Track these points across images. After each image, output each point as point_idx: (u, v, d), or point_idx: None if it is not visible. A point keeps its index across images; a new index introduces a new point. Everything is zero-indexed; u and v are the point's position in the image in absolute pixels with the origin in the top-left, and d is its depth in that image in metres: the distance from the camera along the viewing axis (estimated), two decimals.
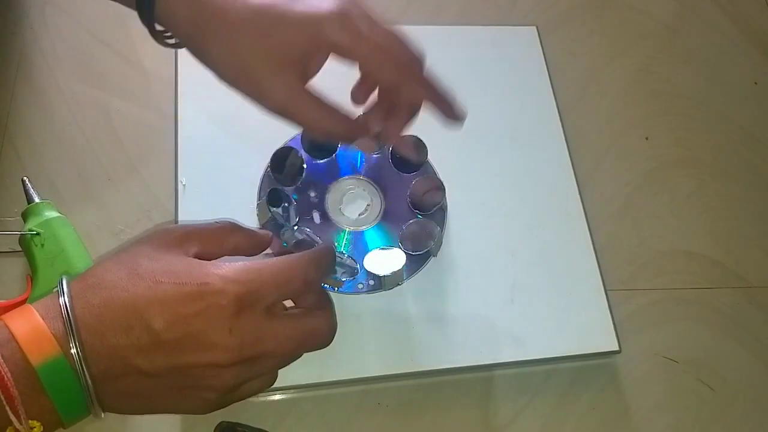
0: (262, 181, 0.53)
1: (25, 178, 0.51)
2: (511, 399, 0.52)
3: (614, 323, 0.54)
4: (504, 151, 0.60)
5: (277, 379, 0.48)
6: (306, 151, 0.53)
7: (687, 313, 0.58)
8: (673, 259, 0.60)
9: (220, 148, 0.55)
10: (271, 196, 0.49)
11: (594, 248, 0.57)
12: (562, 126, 0.62)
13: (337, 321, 0.41)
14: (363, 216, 0.53)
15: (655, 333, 0.57)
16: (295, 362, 0.48)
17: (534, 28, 0.67)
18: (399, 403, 0.50)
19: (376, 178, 0.54)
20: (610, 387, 0.54)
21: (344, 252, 0.51)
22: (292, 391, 0.49)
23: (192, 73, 0.57)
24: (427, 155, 0.53)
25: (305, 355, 0.48)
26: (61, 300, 0.34)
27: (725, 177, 0.66)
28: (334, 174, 0.54)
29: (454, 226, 0.55)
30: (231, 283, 0.35)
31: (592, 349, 0.53)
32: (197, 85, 0.57)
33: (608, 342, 0.53)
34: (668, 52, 0.72)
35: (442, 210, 0.54)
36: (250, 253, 0.41)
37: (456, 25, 0.66)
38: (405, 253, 0.50)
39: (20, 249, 0.48)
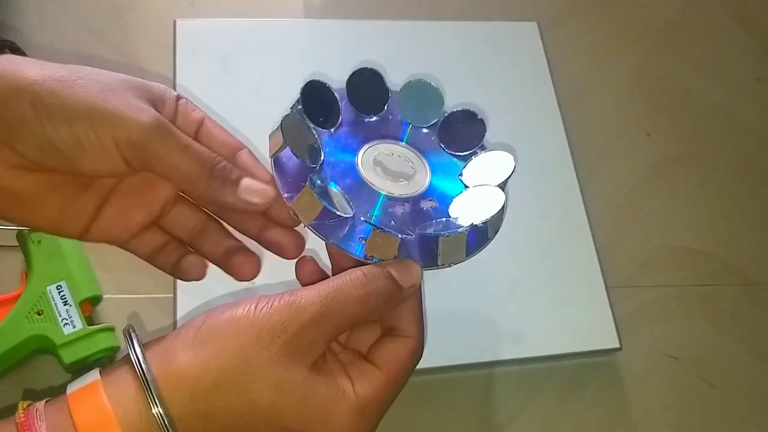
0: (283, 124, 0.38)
1: None
2: (512, 396, 0.52)
3: (615, 320, 0.54)
4: (505, 148, 0.60)
5: None
6: (352, 99, 0.41)
7: (688, 310, 0.58)
8: (674, 256, 0.60)
9: None
10: (290, 123, 0.36)
11: (595, 245, 0.56)
12: (563, 122, 0.61)
13: None
14: (404, 183, 0.40)
15: (656, 330, 0.57)
16: None
17: (535, 23, 0.66)
18: (399, 400, 0.50)
19: (424, 153, 0.42)
20: (611, 384, 0.54)
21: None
22: None
23: (190, 71, 0.57)
24: (483, 132, 0.42)
25: None
26: None
27: (727, 173, 0.65)
28: (373, 136, 0.42)
29: None
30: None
31: (593, 346, 0.53)
32: (195, 84, 0.56)
33: (609, 339, 0.53)
34: (670, 47, 0.71)
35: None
36: None
37: (456, 20, 0.66)
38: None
39: (17, 244, 0.48)
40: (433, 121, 0.43)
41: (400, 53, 0.63)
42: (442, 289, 0.52)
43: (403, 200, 0.39)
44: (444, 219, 0.39)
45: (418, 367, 0.50)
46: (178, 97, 0.36)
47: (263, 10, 0.63)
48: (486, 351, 0.51)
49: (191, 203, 0.38)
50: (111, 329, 0.46)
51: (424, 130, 0.43)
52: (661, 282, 0.59)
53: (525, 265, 0.55)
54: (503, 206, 0.39)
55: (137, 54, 0.59)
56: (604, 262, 0.56)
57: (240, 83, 0.58)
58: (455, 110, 0.42)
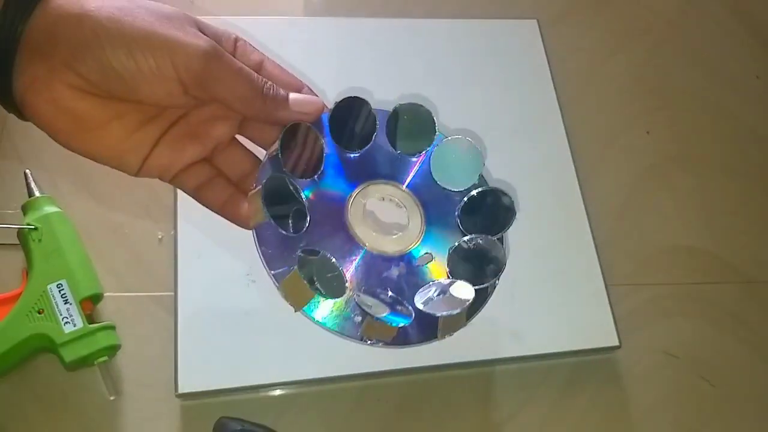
0: (265, 167, 0.37)
1: (27, 171, 0.51)
2: (512, 394, 0.52)
3: (615, 319, 0.54)
4: (504, 146, 0.60)
5: (277, 375, 0.48)
6: (335, 137, 0.39)
7: (688, 308, 0.58)
8: (674, 255, 0.60)
9: None
10: (272, 189, 0.35)
11: (595, 243, 0.56)
12: (563, 120, 0.61)
13: None
14: (397, 236, 0.38)
15: (656, 328, 0.57)
16: (294, 357, 0.48)
17: (535, 21, 0.66)
18: (399, 398, 0.50)
19: (416, 189, 0.39)
20: (610, 382, 0.54)
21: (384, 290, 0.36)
22: (291, 386, 0.49)
23: None
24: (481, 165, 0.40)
25: (305, 350, 0.49)
26: None
27: (727, 172, 0.65)
28: (360, 176, 0.39)
29: None
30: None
31: (592, 344, 0.53)
32: None
33: (609, 337, 0.53)
34: (670, 46, 0.71)
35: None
36: None
37: (456, 18, 0.66)
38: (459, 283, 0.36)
39: (18, 242, 0.48)
40: (425, 149, 0.40)
41: (400, 51, 0.63)
42: None
43: (398, 259, 0.37)
44: (440, 282, 0.36)
45: (417, 365, 0.50)
46: (237, 39, 0.36)
47: (263, 7, 0.63)
48: (486, 349, 0.51)
49: (244, 147, 0.39)
50: (111, 327, 0.46)
51: (413, 160, 0.40)
52: (660, 280, 0.59)
53: (525, 263, 0.55)
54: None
55: None
56: (604, 260, 0.56)
57: None
58: (450, 139, 0.39)
